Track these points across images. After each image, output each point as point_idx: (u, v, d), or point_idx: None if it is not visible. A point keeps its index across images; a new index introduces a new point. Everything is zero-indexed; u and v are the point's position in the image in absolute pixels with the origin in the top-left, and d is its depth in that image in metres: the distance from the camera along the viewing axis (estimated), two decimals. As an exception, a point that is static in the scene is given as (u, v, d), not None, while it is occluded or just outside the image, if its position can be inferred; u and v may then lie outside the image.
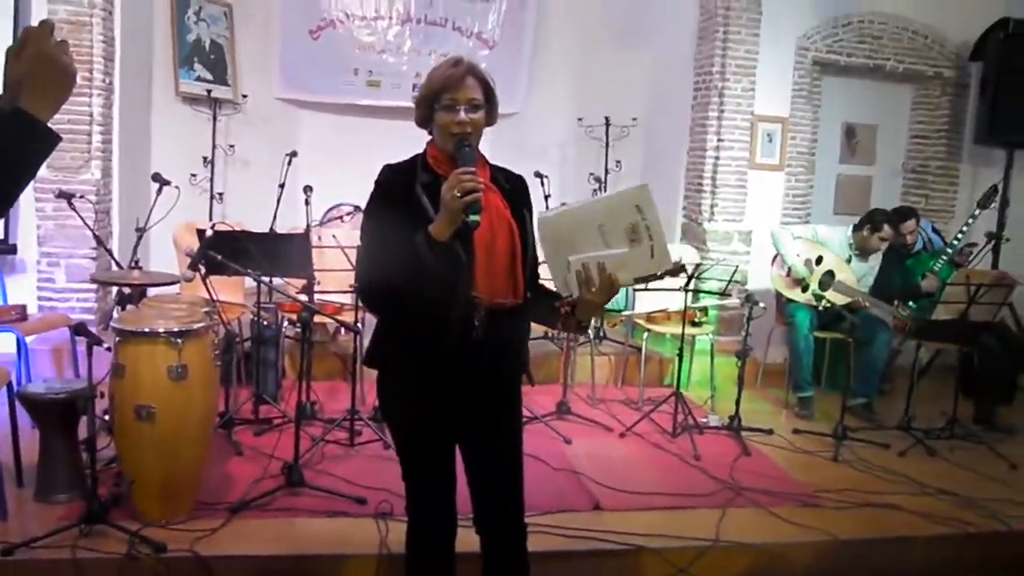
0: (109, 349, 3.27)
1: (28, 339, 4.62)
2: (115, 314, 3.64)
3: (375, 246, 2.23)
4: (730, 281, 4.77)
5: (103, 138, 5.45)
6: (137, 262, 3.98)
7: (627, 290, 6.06)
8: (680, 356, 4.83)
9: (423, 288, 2.12)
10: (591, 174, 6.87)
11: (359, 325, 4.37)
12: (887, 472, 4.37)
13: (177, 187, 4.49)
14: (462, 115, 2.18)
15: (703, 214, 6.29)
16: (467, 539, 2.50)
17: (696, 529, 3.54)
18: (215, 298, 3.68)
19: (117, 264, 4.52)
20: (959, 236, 5.61)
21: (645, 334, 5.48)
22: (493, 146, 6.99)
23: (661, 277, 2.14)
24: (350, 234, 4.45)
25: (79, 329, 3.12)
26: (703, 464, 4.33)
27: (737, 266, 5.04)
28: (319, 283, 4.28)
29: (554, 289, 2.31)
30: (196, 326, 3.27)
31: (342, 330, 5.58)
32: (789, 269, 5.40)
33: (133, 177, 5.79)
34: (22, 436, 3.66)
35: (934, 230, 6.34)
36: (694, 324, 5.43)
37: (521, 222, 2.29)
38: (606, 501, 3.78)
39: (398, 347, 2.29)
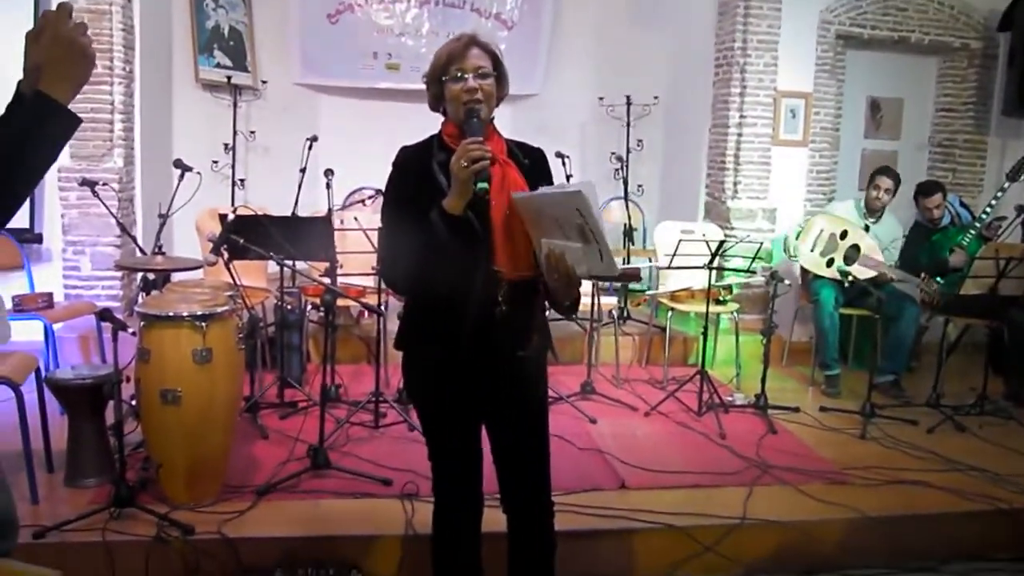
0: (134, 334, 3.29)
1: (55, 327, 4.67)
2: (140, 300, 3.66)
3: (395, 227, 2.24)
4: (754, 259, 4.72)
5: (125, 126, 5.48)
6: (160, 247, 4.00)
7: (651, 270, 6.04)
8: (704, 335, 4.80)
9: (443, 264, 2.12)
10: (612, 153, 6.82)
11: (382, 308, 4.38)
12: (915, 449, 4.33)
13: (199, 173, 4.50)
14: (471, 82, 2.17)
15: (726, 192, 6.23)
16: (493, 518, 2.51)
17: (723, 507, 3.52)
18: (238, 282, 3.69)
19: (141, 250, 4.54)
20: (987, 210, 5.52)
21: (669, 313, 5.46)
22: (514, 126, 6.97)
23: (616, 280, 2.12)
24: (372, 217, 4.45)
25: (104, 315, 3.14)
26: (729, 442, 4.30)
27: (761, 243, 4.99)
28: (341, 266, 4.29)
29: None
30: (220, 310, 3.27)
31: (366, 313, 5.59)
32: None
33: (155, 164, 5.82)
34: (51, 422, 3.69)
35: (962, 204, 6.26)
36: (718, 302, 5.40)
37: None
38: (632, 480, 3.76)
39: (422, 326, 2.30)
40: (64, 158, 5.30)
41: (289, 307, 4.82)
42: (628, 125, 7.03)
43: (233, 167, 6.59)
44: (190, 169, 4.45)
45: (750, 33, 6.04)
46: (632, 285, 6.25)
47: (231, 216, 3.77)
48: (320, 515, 3.30)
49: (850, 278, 5.03)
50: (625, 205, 6.55)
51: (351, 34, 7.10)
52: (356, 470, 3.63)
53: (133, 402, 3.70)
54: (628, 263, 6.02)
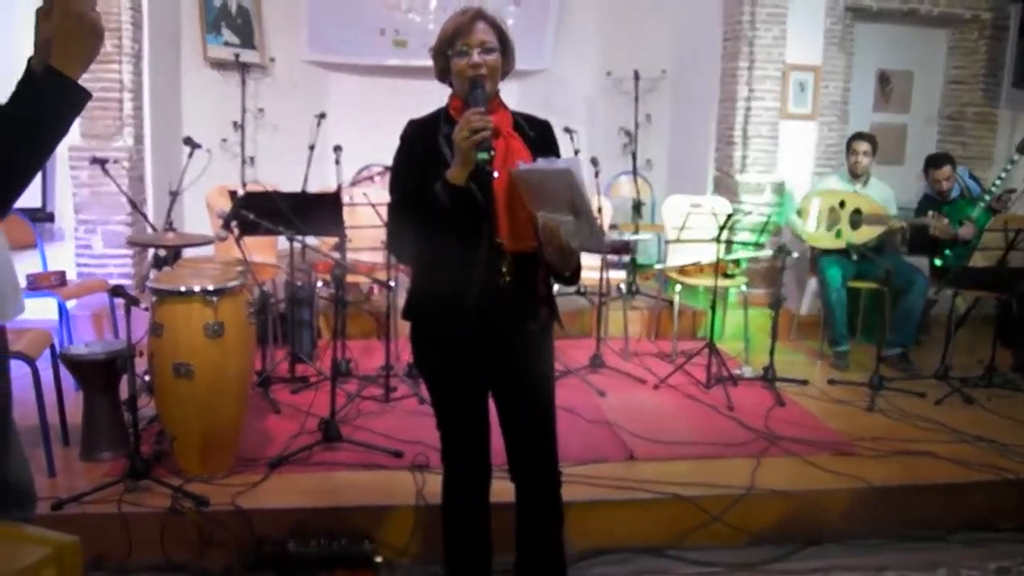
0: (147, 310, 3.34)
1: (69, 304, 4.72)
2: (151, 276, 3.70)
3: (401, 198, 2.26)
4: (761, 231, 4.73)
5: (134, 105, 5.50)
6: (171, 224, 4.03)
7: (660, 243, 6.06)
8: (713, 308, 4.81)
9: (447, 236, 2.15)
10: (621, 128, 6.82)
11: (391, 283, 4.41)
12: (923, 420, 4.34)
13: (208, 150, 4.53)
14: (475, 57, 2.19)
15: (735, 166, 6.22)
16: (502, 489, 2.55)
17: (730, 478, 3.55)
18: (248, 258, 3.73)
19: (152, 228, 4.58)
20: (997, 182, 5.50)
21: (678, 287, 5.47)
22: (522, 102, 6.98)
23: (606, 253, 2.18)
24: (381, 193, 4.46)
25: (117, 291, 3.17)
26: (737, 414, 4.33)
27: (769, 216, 5.00)
28: (351, 241, 4.32)
29: None
30: (231, 284, 3.31)
31: (375, 289, 5.63)
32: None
33: (165, 142, 5.85)
34: (67, 398, 3.75)
35: (971, 176, 6.23)
36: (726, 276, 5.41)
37: None
38: (640, 451, 3.80)
39: (429, 297, 2.32)
40: (74, 137, 5.34)
41: (299, 283, 4.86)
42: (636, 100, 7.01)
43: (242, 145, 6.61)
44: (199, 146, 4.48)
45: (758, 6, 6.00)
46: (640, 259, 6.26)
47: (241, 192, 3.80)
48: (332, 487, 3.35)
49: (860, 247, 5.04)
50: (634, 179, 6.54)
51: (358, 11, 7.09)
52: (367, 442, 3.68)
53: (147, 377, 3.75)
54: (633, 242, 6.03)
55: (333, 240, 4.47)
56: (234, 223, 3.79)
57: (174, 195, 4.23)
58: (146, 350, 3.40)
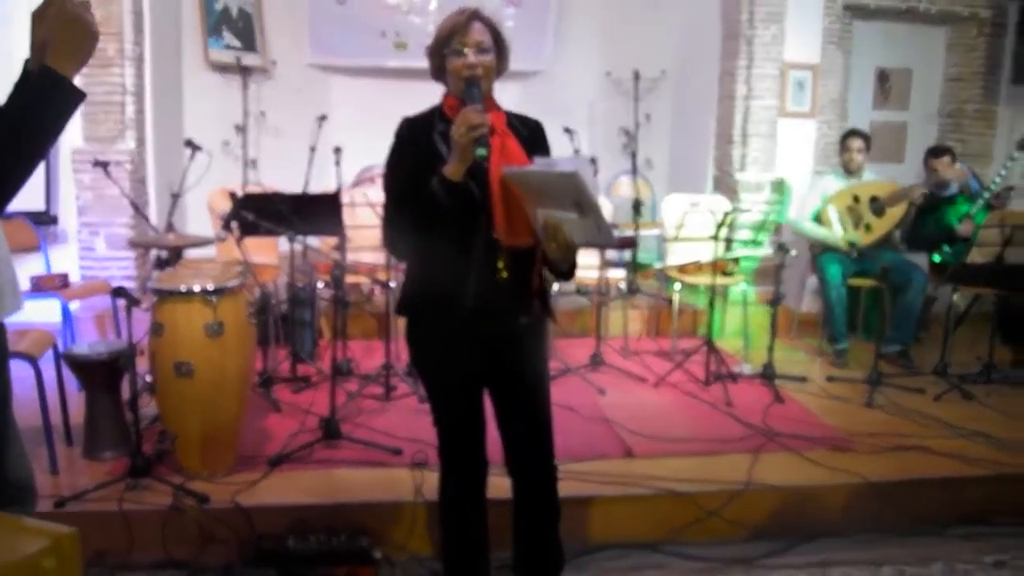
0: (148, 310, 3.37)
1: (72, 306, 4.76)
2: (153, 276, 3.74)
3: (397, 194, 2.30)
4: (760, 229, 4.75)
5: (136, 108, 5.55)
6: (172, 225, 4.07)
7: (660, 243, 6.08)
8: (711, 306, 4.84)
9: (443, 232, 2.18)
10: (621, 128, 6.83)
11: (391, 283, 4.44)
12: (921, 416, 4.36)
13: (209, 153, 4.56)
14: (471, 58, 2.22)
15: (734, 164, 6.24)
16: (499, 484, 2.57)
17: (727, 474, 3.57)
18: (248, 259, 3.76)
19: (153, 229, 4.62)
20: (996, 180, 5.51)
21: (677, 285, 5.50)
22: (522, 103, 7.00)
23: (613, 247, 2.21)
24: (382, 194, 4.50)
25: (119, 292, 3.21)
26: (735, 411, 4.35)
27: (767, 215, 5.02)
28: (351, 242, 4.35)
29: None
30: (231, 284, 3.34)
31: (376, 290, 5.66)
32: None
33: (167, 145, 5.89)
34: (69, 398, 3.80)
35: (971, 174, 6.24)
36: (726, 274, 5.44)
37: None
38: (638, 448, 3.82)
39: (425, 293, 2.35)
40: (77, 140, 5.39)
41: (300, 284, 4.89)
42: (636, 99, 7.03)
43: (244, 147, 6.65)
44: (200, 149, 4.51)
45: (757, 5, 6.02)
46: (640, 258, 6.29)
47: (240, 194, 3.84)
48: (332, 484, 3.38)
49: (856, 248, 5.09)
50: (633, 179, 6.57)
51: (359, 14, 7.13)
52: (367, 440, 3.71)
53: (148, 377, 3.79)
54: (636, 236, 6.06)
55: (334, 241, 4.50)
56: (234, 224, 3.83)
57: (175, 197, 4.27)
58: (147, 350, 3.43)
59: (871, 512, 3.55)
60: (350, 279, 5.14)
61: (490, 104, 2.30)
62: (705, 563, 3.31)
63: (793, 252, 4.76)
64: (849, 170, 5.56)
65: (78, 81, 1.68)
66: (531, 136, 2.39)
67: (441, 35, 2.28)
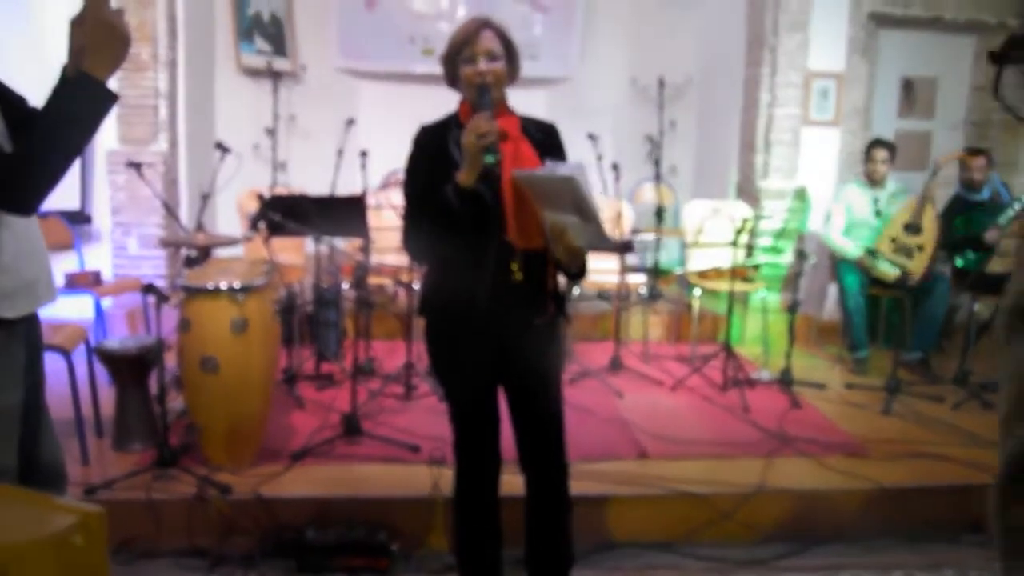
0: (176, 306, 3.48)
1: (104, 303, 4.90)
2: (182, 274, 3.85)
3: (414, 200, 2.38)
4: (779, 236, 4.79)
5: (169, 111, 5.68)
6: (201, 225, 4.18)
7: (682, 249, 6.12)
8: (730, 311, 4.87)
9: (457, 236, 2.25)
10: (645, 134, 6.89)
11: (414, 285, 4.52)
12: (939, 424, 4.37)
13: (239, 155, 4.66)
14: (481, 65, 2.29)
15: (757, 172, 6.27)
16: (514, 482, 2.63)
17: (741, 477, 3.61)
18: (274, 259, 3.86)
19: (183, 229, 4.74)
20: None
21: (697, 291, 5.54)
22: (549, 109, 7.12)
23: (612, 252, 2.27)
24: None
25: (149, 288, 3.32)
26: (752, 416, 4.39)
27: (787, 222, 5.05)
28: (375, 243, 4.44)
29: None
30: (257, 282, 3.44)
31: (400, 292, 5.75)
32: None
33: (199, 147, 6.02)
34: (100, 391, 3.91)
35: (1001, 183, 6.22)
36: (746, 281, 5.47)
37: None
38: (653, 450, 3.87)
39: (441, 295, 2.43)
40: (112, 142, 5.53)
41: (326, 285, 4.99)
42: (661, 106, 7.08)
43: (274, 150, 6.77)
44: (229, 151, 4.63)
45: (781, 13, 6.06)
46: (662, 264, 6.33)
47: (268, 195, 3.94)
48: (351, 478, 3.47)
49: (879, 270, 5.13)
50: (656, 186, 6.62)
51: (388, 20, 7.25)
52: (387, 437, 3.79)
53: (177, 373, 3.90)
54: (659, 242, 6.13)
55: (359, 242, 4.59)
56: (262, 224, 3.93)
57: (205, 198, 4.38)
58: (175, 345, 3.54)
59: (884, 517, 3.58)
60: (374, 280, 5.23)
61: (503, 110, 2.37)
62: (718, 564, 3.35)
63: (812, 260, 4.79)
64: (873, 180, 5.55)
65: (112, 84, 1.78)
66: (546, 139, 2.46)
67: (453, 44, 2.35)
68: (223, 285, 3.37)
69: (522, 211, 2.29)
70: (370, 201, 4.55)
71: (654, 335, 5.80)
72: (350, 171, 5.76)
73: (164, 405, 3.36)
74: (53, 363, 3.28)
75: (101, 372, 3.89)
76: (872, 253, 5.33)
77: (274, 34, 6.98)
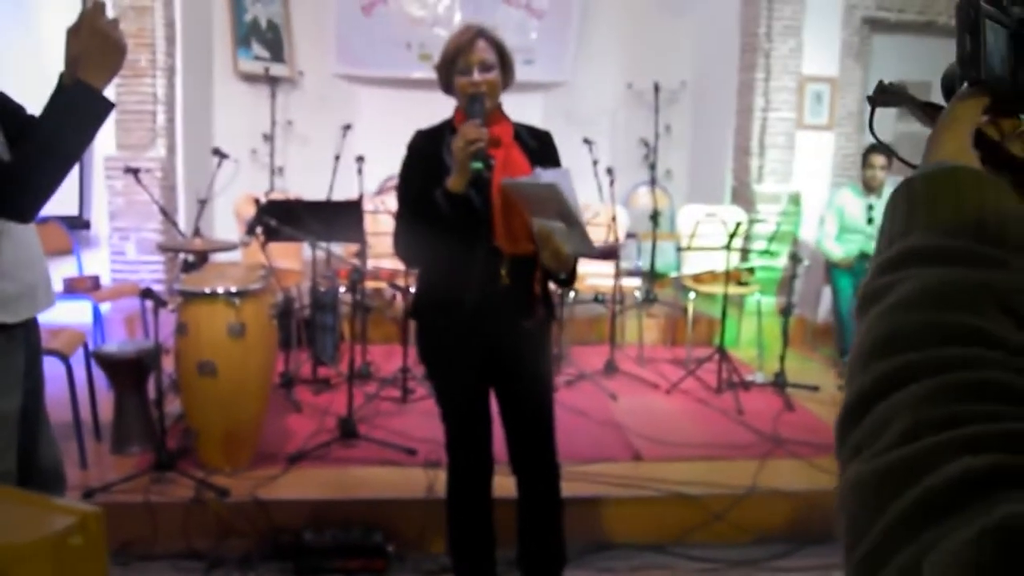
0: (173, 310, 3.51)
1: (102, 307, 4.93)
2: (179, 279, 3.89)
3: (406, 204, 2.42)
4: (772, 239, 4.83)
5: (167, 117, 5.72)
6: (198, 230, 4.21)
7: (676, 253, 6.16)
8: (724, 315, 4.91)
9: (447, 240, 2.29)
10: (641, 139, 6.93)
11: (411, 289, 4.55)
12: (931, 425, 4.40)
13: (236, 160, 4.71)
14: (475, 76, 2.33)
15: (752, 176, 6.31)
16: (508, 484, 2.66)
17: (734, 478, 3.65)
18: (271, 263, 3.90)
19: (180, 234, 4.77)
20: None
21: (692, 294, 5.57)
22: (545, 114, 7.16)
23: (596, 257, 2.31)
24: (400, 202, 4.63)
25: (146, 293, 3.36)
26: (746, 419, 4.42)
27: (779, 225, 5.09)
28: (372, 248, 4.47)
29: None
30: (253, 287, 3.48)
31: (398, 296, 5.78)
32: None
33: (197, 153, 6.05)
34: (98, 395, 3.94)
35: None
36: (741, 284, 5.51)
37: None
38: (647, 452, 3.91)
39: (432, 297, 2.47)
40: (110, 148, 5.57)
41: (323, 288, 5.02)
42: (656, 111, 7.13)
43: (272, 155, 6.81)
44: (227, 157, 4.67)
45: (774, 19, 6.11)
46: (658, 268, 6.36)
47: (264, 200, 3.98)
48: (347, 481, 3.50)
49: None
50: (651, 190, 6.66)
51: (385, 25, 7.29)
52: (383, 440, 3.83)
53: (174, 377, 3.93)
54: (654, 246, 6.16)
55: (356, 247, 4.63)
56: (259, 229, 3.97)
57: (202, 203, 4.42)
58: (172, 349, 3.57)
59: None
60: (371, 284, 5.26)
61: (497, 117, 2.41)
62: (710, 564, 3.38)
63: (805, 263, 4.83)
64: (870, 187, 5.55)
65: (110, 90, 1.81)
66: (540, 147, 2.49)
67: (447, 54, 2.39)
68: (220, 290, 3.41)
69: (510, 216, 2.33)
70: (367, 206, 4.59)
71: (649, 338, 5.83)
72: (347, 176, 5.81)
73: (162, 409, 3.39)
74: (52, 367, 3.32)
75: (100, 376, 3.92)
76: (865, 257, 5.37)
77: (272, 40, 7.02)
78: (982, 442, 0.49)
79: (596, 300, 5.89)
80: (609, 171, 5.34)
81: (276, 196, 4.37)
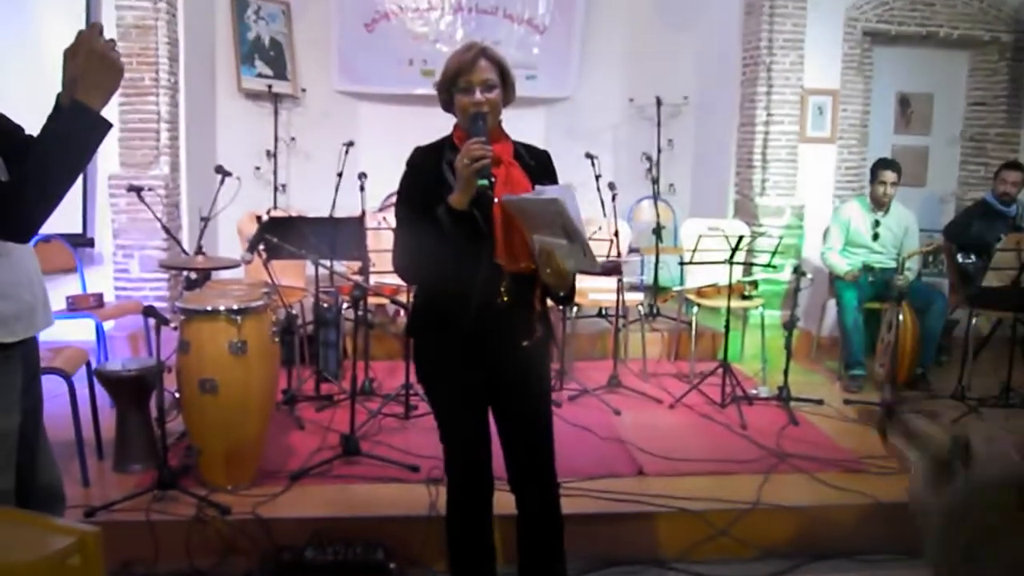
0: (175, 328, 3.52)
1: (106, 325, 4.93)
2: (182, 296, 3.89)
3: (406, 221, 2.42)
4: (774, 254, 4.83)
5: (170, 135, 5.74)
6: (201, 248, 4.22)
7: (679, 267, 6.15)
8: (727, 328, 4.89)
9: (448, 257, 2.29)
10: (644, 154, 6.93)
11: (409, 304, 4.55)
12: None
13: (238, 178, 4.72)
14: (478, 95, 2.33)
15: (755, 189, 6.31)
16: (508, 501, 2.65)
17: (738, 493, 3.62)
18: (274, 280, 3.90)
19: (184, 252, 4.79)
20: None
21: (695, 308, 5.56)
22: (548, 129, 7.17)
23: (599, 274, 2.30)
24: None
25: (149, 311, 3.36)
26: (750, 433, 4.40)
27: (781, 238, 5.08)
28: (374, 265, 4.48)
29: None
30: (255, 304, 3.48)
31: (401, 312, 5.78)
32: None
33: (200, 171, 6.07)
34: (101, 413, 3.94)
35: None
36: (744, 297, 5.49)
37: None
38: (650, 467, 3.89)
39: (431, 315, 2.47)
40: (113, 166, 5.59)
41: (325, 305, 5.03)
42: (659, 125, 7.15)
43: (275, 172, 6.84)
44: (229, 174, 4.69)
45: (776, 32, 6.13)
46: (661, 282, 6.36)
47: (265, 217, 3.98)
48: (349, 498, 3.49)
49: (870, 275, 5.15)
50: (654, 204, 6.67)
51: (387, 42, 7.31)
52: (385, 457, 3.82)
53: (177, 395, 3.93)
54: (657, 260, 6.17)
55: (358, 263, 4.63)
56: (261, 246, 3.97)
57: (205, 221, 4.44)
58: (175, 367, 3.57)
59: (880, 533, 3.58)
60: (374, 301, 5.26)
61: (498, 134, 2.41)
62: (714, 581, 3.37)
63: (809, 276, 4.82)
64: (879, 203, 5.52)
65: (114, 109, 1.82)
66: (538, 166, 2.49)
67: (448, 72, 2.39)
68: (221, 307, 3.41)
69: (511, 234, 2.33)
70: (369, 222, 4.60)
71: (653, 353, 5.81)
72: (350, 193, 5.82)
73: (164, 427, 3.39)
74: (54, 385, 3.34)
75: (102, 394, 3.92)
76: (870, 269, 5.36)
77: (274, 58, 7.05)
78: None
79: (599, 315, 5.90)
80: (612, 186, 5.35)
81: (278, 213, 4.37)
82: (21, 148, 1.86)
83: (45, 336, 2.18)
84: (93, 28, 1.77)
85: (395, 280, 5.05)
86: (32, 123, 1.87)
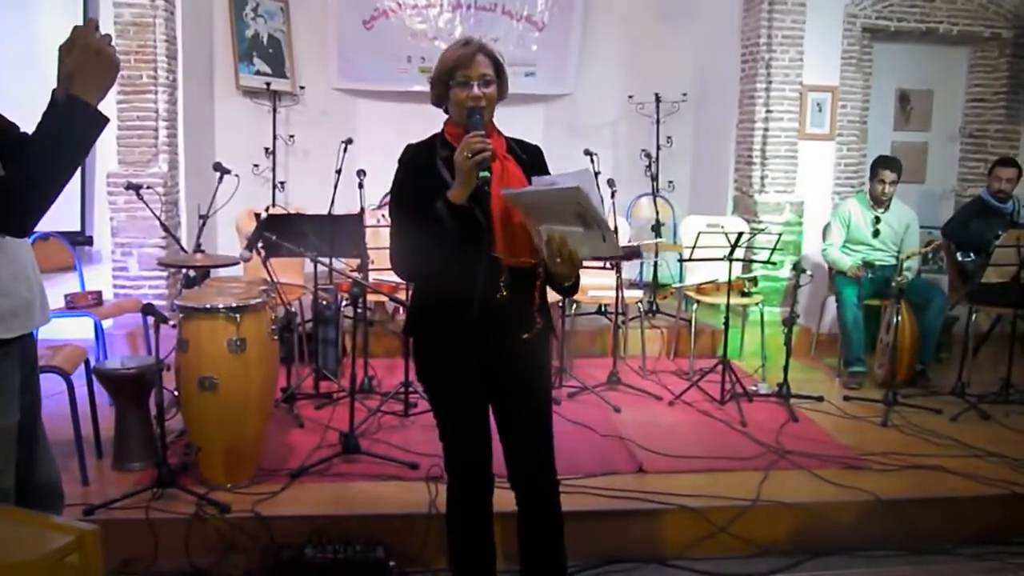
0: (174, 326, 3.51)
1: (104, 323, 4.93)
2: (180, 294, 3.88)
3: (401, 218, 2.41)
4: (773, 250, 4.82)
5: (169, 133, 5.73)
6: (200, 246, 4.21)
7: (678, 264, 6.15)
8: (726, 325, 4.89)
9: (447, 253, 2.28)
10: (643, 151, 6.92)
11: (408, 301, 4.54)
12: (937, 436, 4.38)
13: (237, 175, 4.71)
14: (476, 90, 2.32)
15: (754, 186, 6.30)
16: (508, 498, 2.64)
17: (738, 490, 3.62)
18: (273, 277, 3.89)
19: (183, 250, 4.78)
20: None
21: (695, 305, 5.56)
22: (547, 126, 7.16)
23: (620, 259, 2.25)
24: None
25: (148, 309, 3.36)
26: (749, 430, 4.40)
27: (780, 235, 5.07)
28: (372, 262, 4.47)
29: None
30: (253, 302, 3.47)
31: (400, 310, 5.77)
32: None
33: (199, 169, 6.06)
34: (100, 412, 3.93)
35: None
36: (744, 294, 5.49)
37: None
38: (650, 464, 3.89)
39: (430, 312, 2.46)
40: (112, 164, 5.58)
41: (324, 303, 5.02)
42: (658, 122, 7.14)
43: (274, 170, 6.83)
44: (228, 172, 4.67)
45: (775, 29, 6.12)
46: (661, 279, 6.36)
47: (264, 215, 3.98)
48: (349, 496, 3.49)
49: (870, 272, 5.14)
50: (654, 201, 6.66)
51: (386, 39, 7.29)
52: (384, 455, 3.81)
53: (176, 393, 3.92)
54: (656, 258, 6.16)
55: (356, 261, 4.62)
56: (259, 244, 3.96)
57: (203, 219, 4.42)
58: (173, 365, 3.57)
59: (881, 530, 3.58)
60: (373, 298, 5.26)
61: (491, 130, 2.40)
62: (715, 577, 3.36)
63: (808, 273, 4.81)
64: (879, 201, 5.52)
65: (111, 107, 1.82)
66: (530, 160, 2.49)
67: (446, 66, 2.38)
68: (220, 305, 3.40)
69: (510, 227, 2.32)
70: (368, 220, 4.58)
71: (652, 350, 5.81)
72: (349, 190, 5.81)
73: (163, 425, 3.38)
74: (53, 384, 3.33)
75: (101, 393, 3.91)
76: (870, 265, 5.36)
77: (273, 55, 7.04)
78: None
79: (598, 312, 5.90)
80: (611, 182, 5.34)
81: (277, 211, 4.36)
82: (16, 145, 1.85)
83: (44, 334, 2.17)
84: (89, 23, 1.77)
85: (394, 277, 5.06)
86: (30, 121, 1.86)
